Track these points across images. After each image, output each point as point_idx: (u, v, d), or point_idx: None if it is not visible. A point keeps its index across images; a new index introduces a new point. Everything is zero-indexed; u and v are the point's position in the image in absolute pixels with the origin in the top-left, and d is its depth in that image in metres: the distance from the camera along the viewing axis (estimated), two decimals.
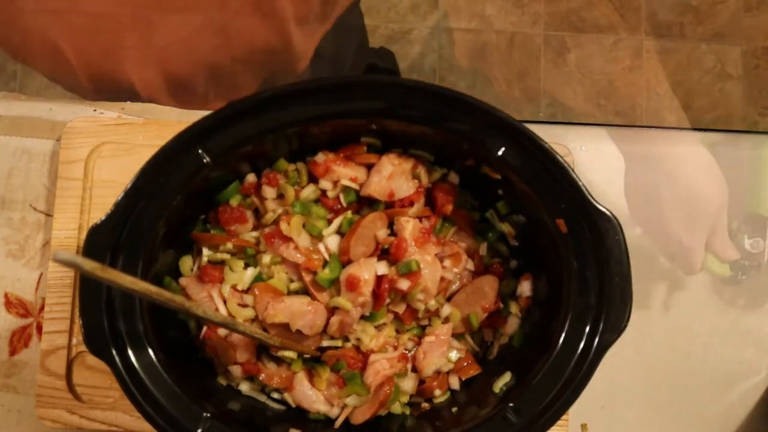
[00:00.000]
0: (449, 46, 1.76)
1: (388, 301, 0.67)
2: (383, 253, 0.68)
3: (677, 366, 0.75)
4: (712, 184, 0.75)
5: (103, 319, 0.60)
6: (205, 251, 0.69)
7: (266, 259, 0.67)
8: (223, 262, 0.69)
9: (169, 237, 0.65)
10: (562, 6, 1.73)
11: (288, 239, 0.66)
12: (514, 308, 0.71)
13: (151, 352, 0.60)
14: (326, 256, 0.67)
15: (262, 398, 0.69)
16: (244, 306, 0.67)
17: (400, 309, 0.69)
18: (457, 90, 0.60)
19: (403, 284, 0.66)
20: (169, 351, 0.63)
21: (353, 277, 0.64)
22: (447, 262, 0.70)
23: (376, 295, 0.66)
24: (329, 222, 0.68)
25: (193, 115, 0.79)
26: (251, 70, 0.90)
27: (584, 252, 0.61)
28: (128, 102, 0.81)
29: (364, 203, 0.69)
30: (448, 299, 0.71)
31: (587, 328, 0.60)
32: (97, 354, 0.60)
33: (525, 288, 0.70)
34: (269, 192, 0.68)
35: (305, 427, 0.67)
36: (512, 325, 0.70)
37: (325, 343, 0.68)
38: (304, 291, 0.67)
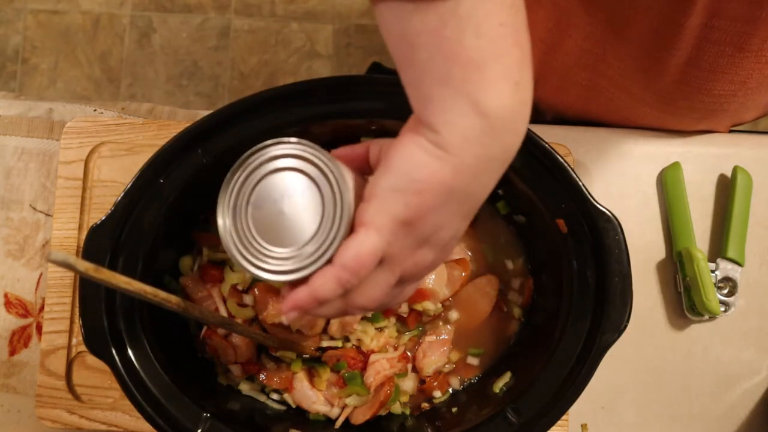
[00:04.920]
0: None
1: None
2: None
3: (677, 366, 0.74)
4: None
5: (103, 319, 0.60)
6: (205, 251, 0.69)
7: None
8: (223, 262, 0.69)
9: (169, 237, 0.65)
10: None
11: None
12: (513, 294, 0.71)
13: (151, 352, 0.60)
14: None
15: (262, 398, 0.69)
16: (244, 306, 0.67)
17: (404, 312, 0.69)
18: None
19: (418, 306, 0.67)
20: (169, 351, 0.63)
21: None
22: (454, 267, 0.70)
23: None
24: None
25: (193, 115, 0.79)
26: None
27: (584, 252, 0.61)
28: (128, 102, 0.81)
29: None
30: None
31: (587, 328, 0.60)
32: (97, 354, 0.60)
33: (525, 288, 0.70)
34: None
35: (305, 427, 0.67)
36: (512, 324, 0.70)
37: (326, 343, 0.68)
38: None
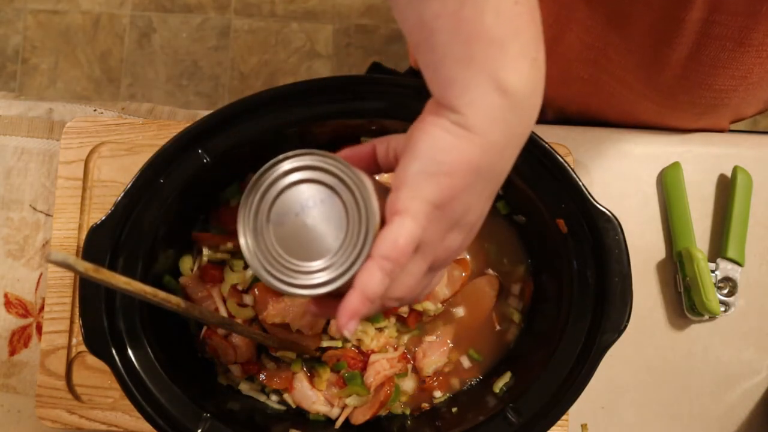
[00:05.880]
0: None
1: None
2: None
3: (677, 366, 0.74)
4: None
5: (103, 319, 0.60)
6: (205, 251, 0.69)
7: None
8: (223, 262, 0.69)
9: (169, 237, 0.65)
10: None
11: None
12: (514, 300, 0.71)
13: (151, 352, 0.60)
14: None
15: (262, 398, 0.69)
16: (244, 306, 0.67)
17: (404, 312, 0.69)
18: None
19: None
20: (169, 351, 0.63)
21: None
22: (454, 267, 0.70)
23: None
24: None
25: (193, 115, 0.79)
26: None
27: (584, 252, 0.61)
28: (128, 102, 0.81)
29: None
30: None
31: (587, 328, 0.60)
32: (97, 354, 0.60)
33: (525, 293, 0.70)
34: None
35: (305, 427, 0.67)
36: (514, 317, 0.70)
37: (325, 343, 0.68)
38: None
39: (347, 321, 0.40)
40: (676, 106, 0.73)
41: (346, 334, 0.40)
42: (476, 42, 0.39)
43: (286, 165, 0.43)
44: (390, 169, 0.48)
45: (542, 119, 0.82)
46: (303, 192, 0.42)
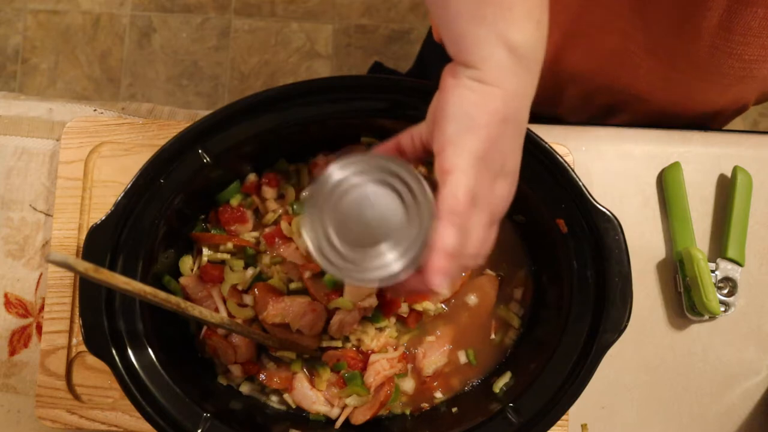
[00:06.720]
0: None
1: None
2: None
3: (677, 366, 0.74)
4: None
5: (103, 319, 0.60)
6: (205, 251, 0.69)
7: (266, 259, 0.67)
8: (223, 262, 0.69)
9: (169, 237, 0.65)
10: None
11: (289, 239, 0.66)
12: (514, 308, 0.71)
13: (151, 352, 0.60)
14: None
15: (263, 398, 0.69)
16: (244, 306, 0.67)
17: (404, 312, 0.69)
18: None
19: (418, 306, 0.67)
20: (169, 351, 0.63)
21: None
22: None
23: (387, 302, 0.66)
24: None
25: (193, 115, 0.79)
26: None
27: (584, 252, 0.61)
28: (128, 102, 0.81)
29: None
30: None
31: (587, 328, 0.60)
32: (97, 354, 0.60)
33: (526, 298, 0.70)
34: (269, 192, 0.68)
35: (305, 427, 0.67)
36: (513, 322, 0.70)
37: (325, 343, 0.68)
38: (304, 291, 0.67)
39: (439, 278, 0.43)
40: (704, 77, 0.72)
41: (442, 290, 0.44)
42: (488, 4, 0.44)
43: (336, 175, 0.46)
44: (417, 157, 0.51)
45: (542, 120, 0.82)
46: (355, 195, 0.46)
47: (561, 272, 0.63)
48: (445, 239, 0.43)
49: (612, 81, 0.79)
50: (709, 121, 0.82)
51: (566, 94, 0.84)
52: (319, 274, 0.66)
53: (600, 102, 0.82)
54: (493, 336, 0.70)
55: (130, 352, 0.60)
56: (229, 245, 0.68)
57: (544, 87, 0.75)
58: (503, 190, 0.49)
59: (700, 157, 0.77)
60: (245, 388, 0.69)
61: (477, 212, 0.46)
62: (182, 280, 0.68)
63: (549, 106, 0.87)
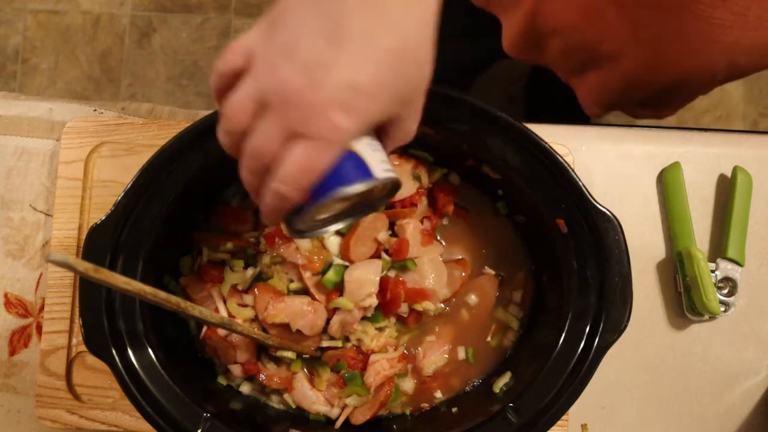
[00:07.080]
0: None
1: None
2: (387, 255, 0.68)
3: (677, 366, 0.75)
4: None
5: (103, 319, 0.60)
6: (205, 251, 0.69)
7: (266, 259, 0.67)
8: (223, 262, 0.69)
9: (169, 237, 0.65)
10: None
11: (289, 240, 0.66)
12: (513, 310, 0.71)
13: (151, 352, 0.60)
14: (338, 260, 0.66)
15: (263, 398, 0.69)
16: (244, 306, 0.67)
17: (404, 312, 0.68)
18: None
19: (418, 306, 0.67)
20: (169, 351, 0.63)
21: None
22: (454, 267, 0.70)
23: (387, 302, 0.66)
24: None
25: (193, 115, 0.79)
26: None
27: (584, 252, 0.61)
28: (128, 102, 0.81)
29: None
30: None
31: (587, 328, 0.60)
32: (97, 354, 0.60)
33: (525, 290, 0.70)
34: None
35: (305, 427, 0.67)
36: (512, 324, 0.70)
37: (325, 343, 0.68)
38: (304, 291, 0.67)
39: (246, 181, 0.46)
40: (671, 38, 0.70)
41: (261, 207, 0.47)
42: None
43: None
44: None
45: (542, 119, 0.82)
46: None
47: (561, 272, 0.63)
48: (219, 135, 0.47)
49: (586, 36, 0.78)
50: (675, 91, 0.81)
51: (549, 48, 0.84)
52: (319, 274, 0.66)
53: (578, 58, 0.82)
54: (489, 339, 0.71)
55: (130, 352, 0.60)
56: (229, 245, 0.68)
57: (528, 37, 0.78)
58: (290, 78, 0.41)
59: (700, 157, 0.77)
60: (245, 388, 0.69)
61: (265, 117, 0.43)
62: (182, 280, 0.68)
63: (534, 54, 0.86)
